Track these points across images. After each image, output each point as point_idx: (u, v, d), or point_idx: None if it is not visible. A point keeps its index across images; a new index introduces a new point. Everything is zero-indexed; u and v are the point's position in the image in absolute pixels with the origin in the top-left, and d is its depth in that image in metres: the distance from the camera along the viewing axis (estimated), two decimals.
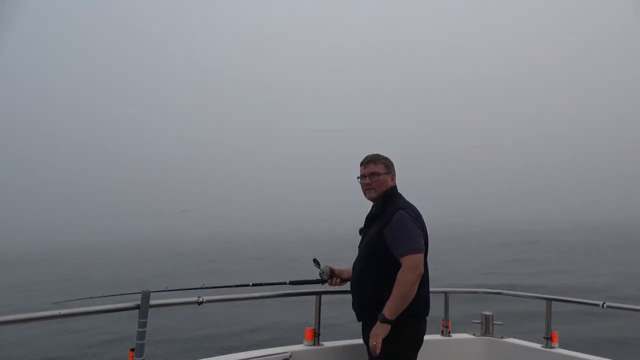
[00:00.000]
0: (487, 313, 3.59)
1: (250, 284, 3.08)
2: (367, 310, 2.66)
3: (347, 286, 3.03)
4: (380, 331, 2.45)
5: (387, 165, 2.79)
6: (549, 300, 3.31)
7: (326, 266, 3.04)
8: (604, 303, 3.11)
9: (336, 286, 3.02)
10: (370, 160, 2.79)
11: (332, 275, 3.01)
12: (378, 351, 2.44)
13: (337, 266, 3.08)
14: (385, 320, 2.45)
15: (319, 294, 3.06)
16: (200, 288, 2.82)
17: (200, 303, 2.56)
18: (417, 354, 2.66)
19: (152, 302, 2.33)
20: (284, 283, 3.11)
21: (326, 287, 3.07)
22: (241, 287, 3.12)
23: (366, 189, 2.78)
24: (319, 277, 3.04)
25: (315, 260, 3.11)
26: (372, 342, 2.46)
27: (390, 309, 2.45)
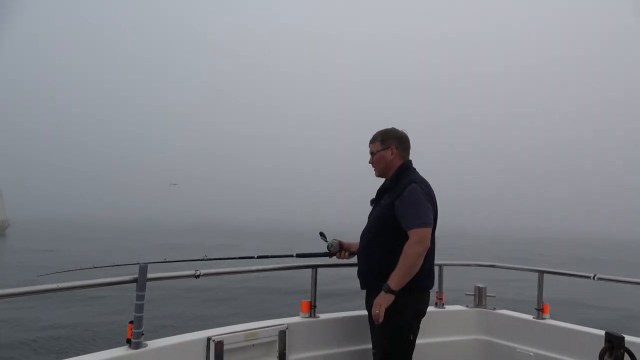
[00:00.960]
0: (480, 285, 3.65)
1: (256, 256, 3.08)
2: (372, 279, 2.70)
3: (343, 260, 3.06)
4: (383, 301, 2.50)
5: (384, 139, 2.79)
6: (541, 272, 3.36)
7: (334, 239, 3.04)
8: (594, 275, 3.16)
9: (345, 258, 3.02)
10: (370, 141, 2.85)
11: (340, 249, 3.01)
12: (381, 320, 2.50)
13: (344, 240, 3.07)
14: (389, 291, 2.50)
15: (314, 267, 3.09)
16: (202, 259, 2.82)
17: (197, 276, 2.58)
18: (419, 324, 2.71)
19: (149, 275, 2.35)
20: (291, 256, 3.11)
21: (322, 260, 3.10)
22: (244, 259, 3.11)
23: (373, 168, 2.86)
24: (327, 250, 3.03)
25: (321, 234, 3.09)
26: (374, 311, 2.51)
27: (395, 280, 2.50)
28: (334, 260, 3.07)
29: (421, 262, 2.53)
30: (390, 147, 2.78)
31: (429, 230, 2.58)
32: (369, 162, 2.86)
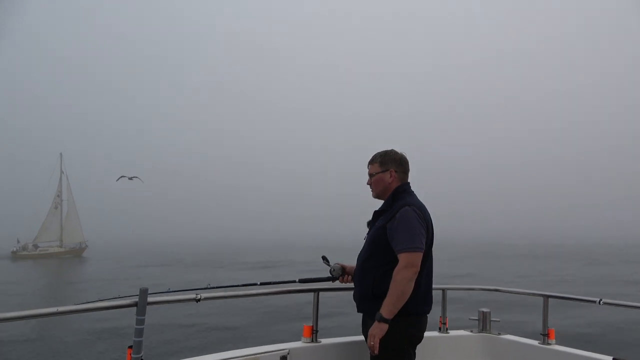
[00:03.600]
0: (485, 310, 3.60)
1: (259, 283, 3.06)
2: (366, 301, 2.68)
3: (344, 284, 3.03)
4: (377, 331, 2.46)
5: (383, 162, 2.79)
6: (546, 296, 3.32)
7: (337, 263, 3.01)
8: (600, 300, 3.12)
9: (348, 282, 2.98)
10: (369, 162, 2.85)
11: (343, 273, 2.99)
12: (376, 352, 2.46)
13: (347, 264, 3.04)
14: (382, 320, 2.46)
15: (316, 291, 3.06)
16: (205, 288, 2.81)
17: (198, 300, 2.56)
18: (414, 350, 2.67)
19: (150, 299, 2.33)
20: (294, 281, 3.09)
21: (324, 284, 3.07)
22: (247, 287, 3.08)
23: (371, 189, 2.87)
24: (330, 275, 3.00)
25: (324, 258, 3.07)
26: (369, 343, 2.48)
27: (387, 308, 2.46)
28: (337, 284, 3.05)
29: (412, 287, 2.49)
30: (389, 169, 2.77)
31: (419, 254, 2.54)
32: (367, 184, 2.86)
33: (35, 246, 60.65)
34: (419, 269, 2.52)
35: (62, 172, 64.39)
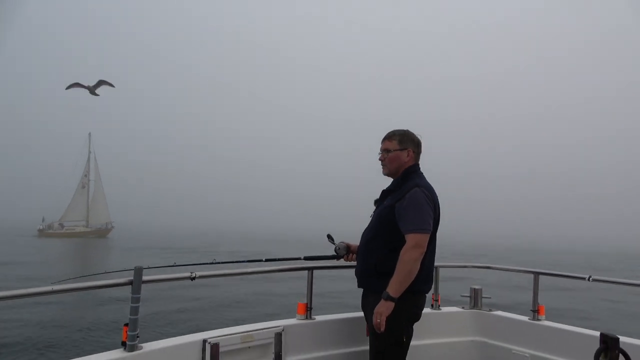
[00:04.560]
0: (476, 287, 3.66)
1: (264, 259, 3.08)
2: (368, 278, 2.70)
3: (339, 262, 3.06)
4: (384, 309, 2.48)
5: (402, 140, 2.76)
6: (536, 274, 3.37)
7: (342, 242, 3.03)
8: (589, 276, 3.17)
9: (353, 261, 2.99)
10: (386, 137, 2.80)
11: (348, 251, 3.00)
12: (382, 329, 2.48)
13: (352, 242, 3.05)
14: (389, 298, 2.48)
15: (310, 269, 3.09)
16: (211, 263, 2.82)
17: (193, 278, 2.57)
18: (412, 326, 2.71)
19: (144, 277, 2.34)
20: (299, 258, 3.11)
21: (317, 263, 3.10)
22: (244, 265, 3.11)
23: (382, 165, 2.82)
24: (335, 253, 3.02)
25: (329, 236, 3.08)
26: (375, 320, 2.49)
27: (394, 287, 2.48)
28: (332, 262, 3.07)
29: (418, 267, 2.52)
30: (407, 148, 2.75)
31: (427, 236, 2.57)
32: (380, 159, 2.81)
33: (61, 225, 60.78)
34: (425, 250, 2.55)
35: (90, 151, 64.16)
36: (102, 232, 61.41)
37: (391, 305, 2.48)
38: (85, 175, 63.68)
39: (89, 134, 65.07)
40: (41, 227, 59.23)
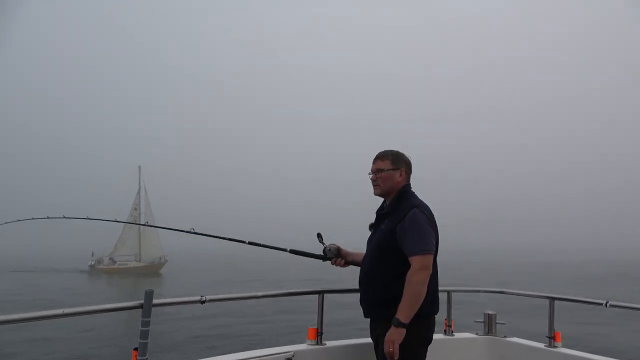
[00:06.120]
0: (490, 312, 3.58)
1: (247, 242, 3.01)
2: (375, 306, 2.66)
3: (351, 286, 3.00)
4: (396, 337, 2.43)
5: (395, 161, 2.76)
6: (552, 299, 3.30)
7: (333, 244, 2.92)
8: (607, 302, 3.10)
9: (340, 267, 2.91)
10: (378, 157, 2.79)
11: (338, 254, 2.90)
12: (396, 357, 2.43)
13: (345, 248, 2.96)
14: (400, 324, 2.43)
15: (321, 293, 3.06)
16: (188, 232, 2.80)
17: (203, 302, 2.56)
18: (426, 351, 2.65)
19: (155, 301, 2.34)
20: (285, 250, 3.02)
21: (330, 286, 3.06)
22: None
23: (373, 185, 2.78)
24: (323, 254, 2.90)
25: (319, 235, 2.99)
26: (388, 349, 2.44)
27: (404, 312, 2.44)
28: (342, 285, 3.04)
29: (425, 290, 2.49)
30: (400, 168, 2.75)
31: (431, 256, 2.54)
32: (372, 178, 2.77)
33: (113, 260, 57.80)
34: (431, 271, 2.52)
35: (139, 185, 60.71)
36: (154, 268, 57.18)
37: (403, 331, 2.44)
38: (135, 209, 60.26)
39: (139, 167, 61.62)
40: (92, 263, 56.34)
